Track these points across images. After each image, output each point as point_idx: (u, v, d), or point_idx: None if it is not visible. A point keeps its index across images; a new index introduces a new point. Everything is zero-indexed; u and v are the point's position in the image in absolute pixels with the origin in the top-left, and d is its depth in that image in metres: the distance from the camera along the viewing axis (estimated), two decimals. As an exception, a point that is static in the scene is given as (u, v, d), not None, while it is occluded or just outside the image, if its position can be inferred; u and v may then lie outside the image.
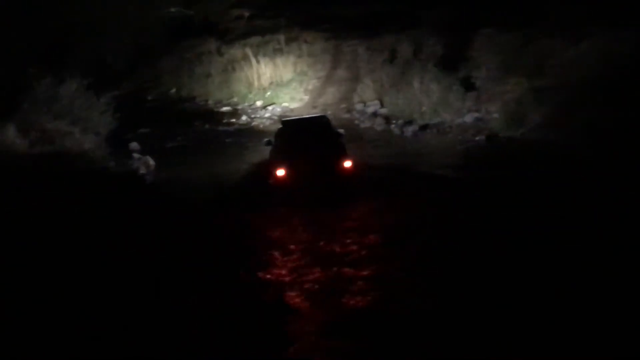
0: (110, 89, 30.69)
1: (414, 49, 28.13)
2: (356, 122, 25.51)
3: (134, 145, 21.92)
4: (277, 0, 35.65)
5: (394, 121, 24.51)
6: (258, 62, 30.81)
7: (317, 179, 15.29)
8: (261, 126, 25.96)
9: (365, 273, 10.69)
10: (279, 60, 30.77)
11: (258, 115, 27.81)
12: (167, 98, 31.79)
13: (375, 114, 25.73)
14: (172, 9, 37.45)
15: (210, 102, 30.72)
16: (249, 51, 31.63)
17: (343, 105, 27.06)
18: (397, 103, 25.17)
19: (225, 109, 29.50)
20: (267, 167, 16.31)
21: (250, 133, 25.05)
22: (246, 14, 36.10)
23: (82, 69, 30.75)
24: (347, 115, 25.83)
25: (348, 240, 12.44)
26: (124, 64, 34.06)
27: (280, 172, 15.46)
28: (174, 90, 32.56)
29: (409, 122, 23.90)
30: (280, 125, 17.83)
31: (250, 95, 30.26)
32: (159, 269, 11.15)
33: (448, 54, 26.64)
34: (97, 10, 32.60)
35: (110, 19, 33.19)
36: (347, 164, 15.58)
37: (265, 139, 17.97)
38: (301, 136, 16.41)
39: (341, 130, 17.91)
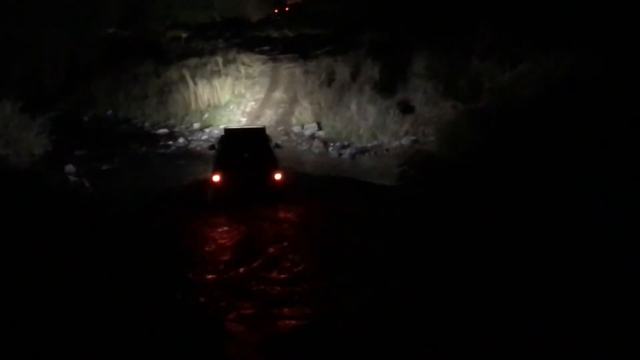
0: (45, 109, 30.74)
1: (351, 71, 28.81)
2: (294, 144, 25.86)
3: (70, 167, 22.12)
4: (215, 22, 36.13)
5: (332, 144, 25.07)
6: (195, 84, 31.03)
7: (249, 187, 16.89)
8: (198, 149, 26.07)
9: (282, 267, 12.24)
10: (217, 82, 31.06)
11: (195, 138, 28.00)
12: (103, 119, 31.76)
13: (313, 137, 26.25)
14: (109, 30, 37.56)
15: (147, 124, 30.81)
16: (186, 73, 31.85)
17: (281, 128, 27.45)
18: (334, 126, 25.78)
19: (162, 131, 29.61)
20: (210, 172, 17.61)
21: (188, 155, 25.23)
22: (184, 35, 36.41)
23: (16, 90, 30.77)
24: (284, 138, 26.21)
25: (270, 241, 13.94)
26: (59, 84, 34.04)
27: (216, 178, 16.96)
28: (110, 111, 32.55)
29: (347, 145, 24.55)
30: (223, 132, 19.62)
31: (188, 118, 30.40)
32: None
33: (385, 76, 27.44)
34: (31, 29, 32.54)
35: (45, 39, 33.15)
36: (278, 176, 17.11)
37: (210, 144, 20.24)
38: (239, 145, 18.01)
39: (278, 142, 20.24)
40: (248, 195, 16.90)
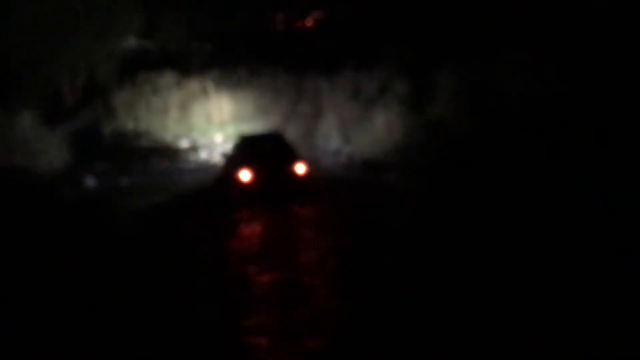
0: (65, 122, 30.97)
1: (378, 86, 28.67)
2: (317, 159, 25.86)
3: (89, 180, 22.16)
4: (239, 33, 36.13)
5: (357, 159, 24.99)
6: (219, 96, 31.09)
7: (273, 182, 18.23)
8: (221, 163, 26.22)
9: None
10: (240, 95, 31.11)
11: (217, 151, 28.06)
12: (124, 132, 31.80)
13: (337, 152, 26.19)
14: (129, 40, 37.67)
15: (168, 136, 30.88)
16: (209, 85, 31.90)
17: (304, 142, 27.42)
18: (360, 141, 25.66)
19: (183, 144, 29.69)
20: (228, 176, 19.38)
21: (211, 170, 25.30)
22: (207, 46, 36.41)
23: (35, 101, 31.03)
24: (308, 152, 26.22)
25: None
26: (79, 96, 34.17)
27: (244, 176, 18.16)
28: (130, 124, 32.59)
29: (372, 161, 24.34)
30: (239, 139, 21.12)
31: (210, 131, 30.52)
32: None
33: (413, 92, 27.27)
34: (50, 40, 32.72)
35: (64, 50, 33.32)
36: (301, 168, 18.47)
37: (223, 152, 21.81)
38: (258, 145, 19.87)
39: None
40: (273, 191, 18.08)
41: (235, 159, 19.31)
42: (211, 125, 30.75)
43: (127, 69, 35.26)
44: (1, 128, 25.04)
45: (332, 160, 25.61)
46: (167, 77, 34.03)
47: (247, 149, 19.61)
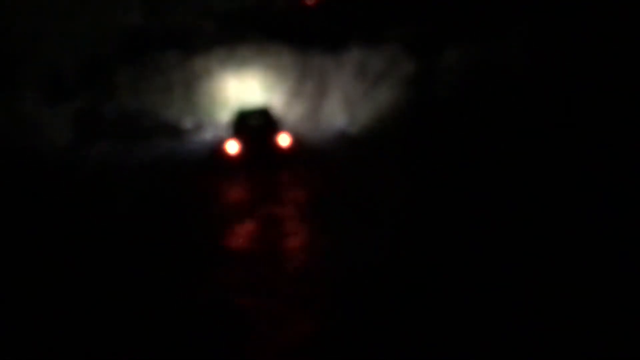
0: (67, 101, 31.13)
1: (384, 65, 28.75)
2: (320, 138, 26.38)
3: (92, 158, 22.37)
4: (243, 11, 36.12)
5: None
6: (223, 75, 31.19)
7: (259, 152, 21.13)
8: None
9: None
10: (246, 74, 31.17)
11: (222, 131, 28.16)
12: (127, 111, 31.89)
13: (341, 132, 26.36)
14: (132, 18, 37.70)
15: (172, 116, 30.99)
16: (213, 64, 31.99)
17: (309, 121, 27.60)
18: (365, 121, 25.83)
19: (188, 124, 29.83)
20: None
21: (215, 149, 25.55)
22: (211, 25, 36.44)
23: (37, 80, 31.16)
24: (312, 132, 26.44)
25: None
26: (81, 75, 34.27)
27: (232, 148, 21.23)
28: (134, 103, 32.70)
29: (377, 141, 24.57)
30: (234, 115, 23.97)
31: (214, 110, 30.68)
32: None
33: (419, 71, 27.39)
34: (51, 19, 32.84)
35: (66, 28, 33.42)
36: (285, 141, 21.28)
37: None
38: (250, 121, 22.72)
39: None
40: (257, 159, 21.09)
41: (228, 132, 22.71)
42: (216, 104, 30.81)
43: (131, 47, 35.36)
44: (3, 108, 25.21)
45: (333, 138, 25.75)
46: (171, 56, 34.18)
47: (238, 123, 22.70)
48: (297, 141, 22.14)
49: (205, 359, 9.24)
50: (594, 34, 22.42)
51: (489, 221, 13.46)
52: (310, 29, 34.60)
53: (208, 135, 27.90)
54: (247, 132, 21.82)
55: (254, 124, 22.46)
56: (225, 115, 29.82)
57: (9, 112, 24.77)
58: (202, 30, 36.19)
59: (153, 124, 30.32)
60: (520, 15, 25.97)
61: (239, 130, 22.05)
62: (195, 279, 12.06)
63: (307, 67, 31.96)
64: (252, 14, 35.95)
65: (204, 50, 33.79)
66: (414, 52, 28.48)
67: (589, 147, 17.15)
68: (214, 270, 12.53)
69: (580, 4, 23.83)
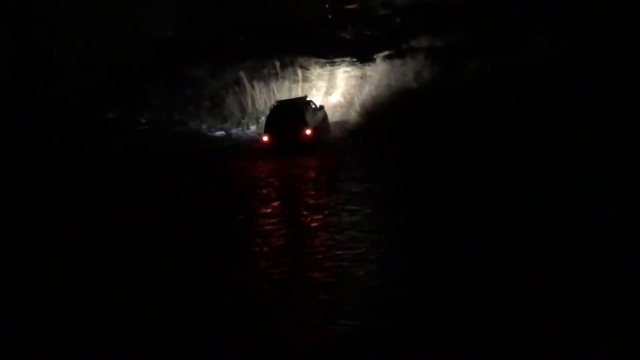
0: (103, 111, 32.63)
1: (409, 76, 29.88)
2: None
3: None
4: (272, 24, 37.39)
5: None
6: (252, 86, 32.59)
7: (287, 141, 25.20)
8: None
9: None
10: (274, 85, 32.58)
11: (251, 141, 29.41)
12: (160, 122, 33.25)
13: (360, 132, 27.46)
14: (164, 31, 39.04)
15: (203, 126, 32.39)
16: (243, 75, 33.39)
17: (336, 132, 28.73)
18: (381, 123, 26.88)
19: (218, 133, 31.13)
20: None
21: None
22: (241, 37, 37.75)
23: (72, 92, 32.60)
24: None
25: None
26: (115, 86, 35.58)
27: (265, 138, 25.89)
28: (166, 113, 34.00)
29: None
30: (272, 105, 27.90)
31: (244, 121, 32.22)
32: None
33: (442, 82, 28.45)
34: (86, 31, 34.25)
35: (100, 40, 34.83)
36: (308, 132, 25.27)
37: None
38: (281, 112, 26.32)
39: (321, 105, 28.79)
40: (287, 148, 25.03)
41: (265, 122, 26.56)
42: (245, 115, 32.18)
43: (162, 59, 36.63)
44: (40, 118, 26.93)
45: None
46: (202, 68, 35.50)
47: (272, 115, 26.50)
48: (318, 133, 26.04)
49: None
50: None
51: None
52: (336, 41, 35.97)
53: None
54: (278, 126, 25.63)
55: (285, 117, 25.80)
56: (253, 127, 31.23)
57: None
58: (232, 43, 37.49)
59: (185, 133, 31.58)
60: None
61: (271, 122, 26.01)
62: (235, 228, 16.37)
63: (334, 78, 33.19)
64: (281, 27, 37.24)
65: (234, 61, 35.42)
66: (437, 63, 29.65)
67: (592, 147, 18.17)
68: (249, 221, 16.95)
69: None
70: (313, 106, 27.71)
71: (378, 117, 27.38)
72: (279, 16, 38.66)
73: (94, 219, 17.35)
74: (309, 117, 26.11)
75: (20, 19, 33.83)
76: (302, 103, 27.28)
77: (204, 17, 39.63)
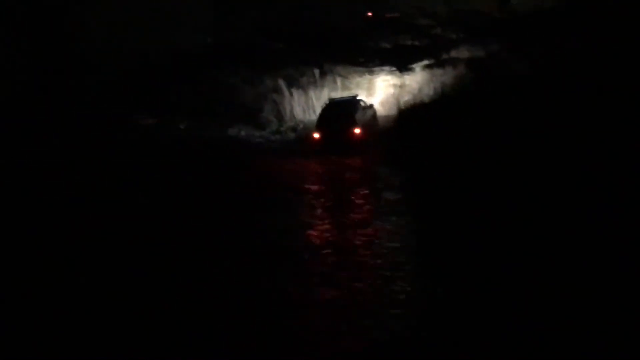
0: (140, 117, 33.07)
1: (449, 86, 30.09)
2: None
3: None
4: (312, 32, 37.70)
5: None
6: (291, 94, 32.88)
7: (336, 140, 26.53)
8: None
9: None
10: (313, 93, 32.86)
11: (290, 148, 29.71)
12: (200, 127, 33.59)
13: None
14: (202, 37, 39.43)
15: (242, 133, 32.70)
16: (281, 83, 33.72)
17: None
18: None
19: (257, 140, 31.45)
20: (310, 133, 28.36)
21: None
22: (280, 44, 38.07)
23: (109, 96, 33.04)
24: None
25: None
26: (152, 91, 35.97)
27: (316, 135, 27.16)
28: (203, 120, 34.34)
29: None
30: (325, 103, 29.31)
31: (282, 128, 32.56)
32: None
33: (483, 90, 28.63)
34: (123, 34, 34.72)
35: (139, 44, 35.27)
36: (357, 130, 26.47)
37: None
38: (332, 111, 27.80)
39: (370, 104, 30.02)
40: (336, 146, 26.33)
41: (317, 120, 28.00)
42: (284, 123, 32.47)
43: (199, 65, 37.03)
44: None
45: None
46: (240, 75, 35.86)
47: (323, 114, 27.94)
48: (366, 132, 27.01)
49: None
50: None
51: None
52: (376, 50, 36.21)
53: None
54: (329, 124, 27.03)
55: (336, 116, 27.20)
56: (292, 134, 31.51)
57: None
58: (271, 50, 37.83)
59: (225, 140, 31.94)
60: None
61: (322, 121, 27.44)
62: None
63: (372, 86, 33.43)
64: (320, 35, 37.54)
65: (273, 69, 35.76)
66: (475, 73, 29.86)
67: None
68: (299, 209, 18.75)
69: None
70: (363, 104, 28.80)
71: (416, 124, 27.69)
72: (319, 24, 39.01)
73: (156, 222, 17.80)
74: (359, 116, 27.30)
75: (56, 19, 34.27)
76: (353, 102, 28.50)
77: (242, 23, 39.94)
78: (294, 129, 32.18)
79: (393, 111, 30.24)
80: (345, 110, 27.57)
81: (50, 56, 33.15)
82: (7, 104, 28.48)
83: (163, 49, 36.73)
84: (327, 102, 29.48)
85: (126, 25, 35.43)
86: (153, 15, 36.52)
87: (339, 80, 33.96)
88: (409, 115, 28.56)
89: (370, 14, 40.99)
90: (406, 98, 31.03)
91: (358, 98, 29.37)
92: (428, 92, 30.67)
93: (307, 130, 29.99)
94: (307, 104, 33.07)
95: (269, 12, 40.37)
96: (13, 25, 31.97)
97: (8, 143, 25.04)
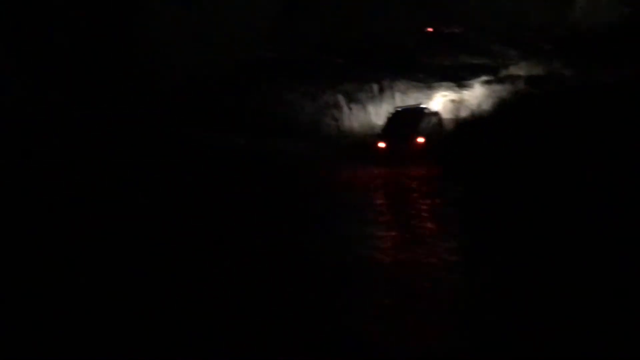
0: (199, 131, 33.53)
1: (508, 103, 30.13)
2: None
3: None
4: (371, 47, 37.97)
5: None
6: (350, 109, 33.10)
7: (400, 149, 27.46)
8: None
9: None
10: (371, 109, 33.05)
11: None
12: (259, 142, 33.92)
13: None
14: (258, 51, 39.82)
15: (300, 147, 32.92)
16: (340, 98, 34.00)
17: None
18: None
19: (313, 154, 31.68)
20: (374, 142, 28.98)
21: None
22: (339, 59, 38.38)
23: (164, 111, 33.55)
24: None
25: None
26: (210, 105, 36.38)
27: (381, 144, 28.17)
28: (262, 135, 34.66)
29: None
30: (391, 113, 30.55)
31: (341, 143, 32.46)
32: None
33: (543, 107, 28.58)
34: (178, 52, 35.37)
35: (195, 59, 35.86)
36: (420, 140, 27.66)
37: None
38: (397, 121, 28.98)
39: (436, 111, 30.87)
40: (400, 155, 27.18)
41: (382, 129, 29.22)
42: (343, 139, 32.70)
43: (261, 79, 37.49)
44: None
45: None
46: (299, 89, 36.22)
47: (389, 123, 29.20)
48: (430, 141, 27.81)
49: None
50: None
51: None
52: (434, 66, 36.34)
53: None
54: (393, 133, 28.11)
55: (401, 126, 28.33)
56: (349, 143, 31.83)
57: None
58: (330, 65, 38.13)
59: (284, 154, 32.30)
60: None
61: (387, 130, 28.64)
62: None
63: (430, 101, 33.54)
64: (379, 50, 37.80)
65: (331, 83, 36.01)
66: (535, 89, 29.91)
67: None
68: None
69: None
70: (428, 112, 29.92)
71: (475, 139, 27.86)
72: (378, 39, 39.26)
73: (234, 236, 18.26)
74: (423, 125, 28.56)
75: (120, 30, 34.89)
76: (418, 111, 29.76)
77: (303, 38, 40.30)
78: (353, 142, 32.38)
79: (451, 126, 30.42)
80: (410, 120, 28.66)
81: (113, 62, 33.87)
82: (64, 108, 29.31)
83: (223, 63, 37.21)
84: (394, 111, 30.41)
85: (187, 38, 36.12)
86: (214, 29, 37.12)
87: (397, 96, 34.11)
88: (468, 130, 28.74)
89: (430, 29, 41.18)
90: (464, 114, 31.14)
91: (423, 106, 30.50)
92: (486, 107, 30.70)
93: (368, 141, 30.10)
94: (365, 119, 33.22)
95: (329, 27, 40.72)
96: (76, 30, 32.82)
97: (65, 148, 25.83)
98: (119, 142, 27.92)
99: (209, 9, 37.54)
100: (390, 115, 30.10)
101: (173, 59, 35.34)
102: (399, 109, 30.82)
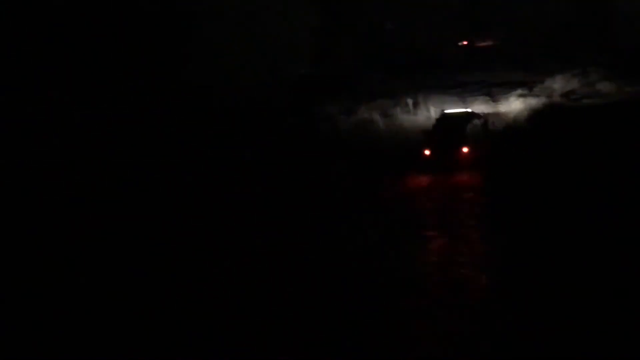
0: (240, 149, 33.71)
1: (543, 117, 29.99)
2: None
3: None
4: (408, 62, 38.01)
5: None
6: (385, 125, 33.14)
7: (445, 157, 27.38)
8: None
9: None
10: (407, 124, 33.03)
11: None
12: (297, 158, 34.03)
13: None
14: (300, 69, 40.06)
15: (337, 164, 33.01)
16: (375, 113, 34.08)
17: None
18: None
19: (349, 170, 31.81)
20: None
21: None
22: (376, 74, 38.46)
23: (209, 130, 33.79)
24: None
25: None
26: (252, 124, 36.61)
27: (427, 152, 27.88)
28: (301, 149, 34.79)
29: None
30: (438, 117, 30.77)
31: (377, 158, 32.40)
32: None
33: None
34: (222, 66, 35.70)
35: (239, 78, 36.17)
36: (465, 149, 27.51)
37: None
38: (443, 128, 28.90)
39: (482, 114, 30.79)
40: (445, 162, 27.18)
41: (427, 136, 28.99)
42: (378, 154, 32.65)
43: (299, 95, 37.75)
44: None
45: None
46: (337, 105, 36.29)
47: (434, 129, 29.17)
48: (476, 148, 27.65)
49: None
50: None
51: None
52: (470, 79, 36.24)
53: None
54: (438, 141, 27.97)
55: (446, 133, 28.32)
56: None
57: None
58: (368, 80, 38.22)
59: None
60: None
61: (432, 138, 28.47)
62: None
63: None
64: (416, 63, 37.81)
65: (368, 99, 36.20)
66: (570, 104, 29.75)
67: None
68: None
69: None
70: (474, 116, 29.90)
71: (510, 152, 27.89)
72: (415, 53, 39.29)
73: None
74: (468, 133, 28.47)
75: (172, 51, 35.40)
76: (465, 117, 29.67)
77: (341, 54, 40.46)
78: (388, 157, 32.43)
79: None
80: (456, 128, 28.54)
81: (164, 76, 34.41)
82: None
83: (262, 79, 37.48)
84: (439, 116, 30.42)
85: (227, 56, 36.47)
86: (253, 46, 37.46)
87: (432, 110, 34.06)
88: (503, 144, 28.66)
89: (465, 42, 41.09)
90: (500, 127, 31.01)
91: (469, 110, 30.60)
92: (522, 121, 30.58)
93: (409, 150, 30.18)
94: (401, 133, 33.21)
95: (367, 42, 40.89)
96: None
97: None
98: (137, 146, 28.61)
99: (252, 29, 37.87)
100: (436, 121, 30.02)
101: (219, 79, 35.72)
102: (445, 114, 30.56)
